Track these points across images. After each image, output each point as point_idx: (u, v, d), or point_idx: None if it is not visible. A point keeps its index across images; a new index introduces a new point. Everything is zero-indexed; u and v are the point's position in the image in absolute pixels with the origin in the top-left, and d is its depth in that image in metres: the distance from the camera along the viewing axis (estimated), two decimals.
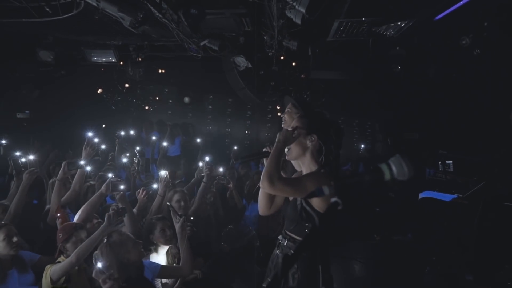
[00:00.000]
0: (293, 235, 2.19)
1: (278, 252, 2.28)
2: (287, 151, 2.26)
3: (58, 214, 3.02)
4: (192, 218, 3.48)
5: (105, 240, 2.51)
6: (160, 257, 3.17)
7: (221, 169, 4.78)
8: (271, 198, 2.38)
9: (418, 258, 4.39)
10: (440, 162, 5.48)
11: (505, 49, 5.17)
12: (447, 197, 4.28)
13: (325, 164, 2.20)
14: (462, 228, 4.35)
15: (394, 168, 0.99)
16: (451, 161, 5.41)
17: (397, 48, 5.66)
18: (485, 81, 5.78)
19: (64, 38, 5.60)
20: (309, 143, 2.21)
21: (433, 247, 4.46)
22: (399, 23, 4.15)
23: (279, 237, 2.33)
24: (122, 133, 6.79)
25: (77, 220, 3.12)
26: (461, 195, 4.28)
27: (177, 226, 2.88)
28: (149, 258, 3.06)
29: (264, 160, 2.33)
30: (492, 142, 5.07)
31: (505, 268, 4.02)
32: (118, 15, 3.13)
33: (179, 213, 2.94)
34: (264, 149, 2.34)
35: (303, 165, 2.28)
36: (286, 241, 2.21)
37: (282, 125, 3.10)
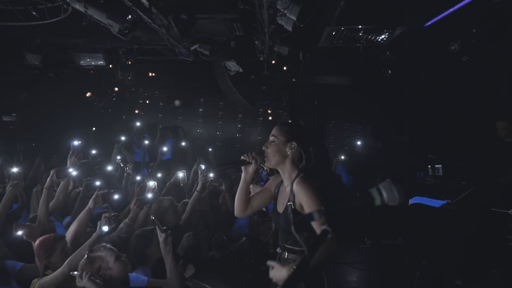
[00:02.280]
0: (291, 246, 2.19)
1: None
2: (265, 159, 2.26)
3: (20, 232, 2.87)
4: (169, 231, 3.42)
5: (86, 255, 2.45)
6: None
7: (211, 174, 4.77)
8: (246, 202, 2.41)
9: (408, 263, 4.42)
10: (429, 166, 5.53)
11: (493, 55, 5.24)
12: (437, 203, 4.32)
13: (304, 169, 2.21)
14: (452, 233, 4.39)
15: (384, 193, 0.98)
16: (440, 166, 5.47)
17: (388, 53, 5.70)
18: (473, 87, 5.85)
19: (52, 41, 5.51)
20: (288, 151, 2.20)
21: (423, 251, 4.49)
22: (390, 30, 4.18)
23: (277, 249, 2.32)
24: (123, 138, 6.78)
25: (68, 238, 3.06)
26: (450, 201, 4.33)
27: (160, 240, 2.84)
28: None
29: (243, 168, 2.34)
30: (479, 148, 5.13)
31: (493, 273, 4.07)
32: (107, 22, 3.08)
33: (162, 227, 2.89)
34: (242, 157, 2.33)
35: (283, 174, 2.27)
36: (287, 253, 2.20)
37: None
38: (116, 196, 3.16)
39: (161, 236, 2.85)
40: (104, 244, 2.70)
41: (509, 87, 5.74)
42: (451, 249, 4.38)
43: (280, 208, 2.27)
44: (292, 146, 2.19)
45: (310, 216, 0.90)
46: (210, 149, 7.41)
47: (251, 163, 2.26)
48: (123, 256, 2.63)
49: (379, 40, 4.42)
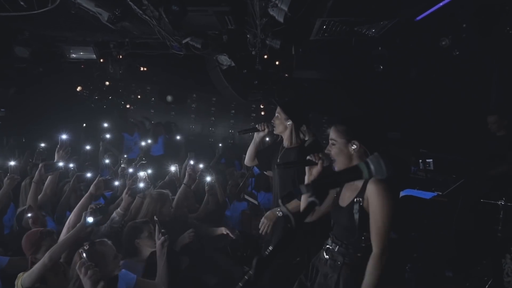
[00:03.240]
0: (346, 242, 2.13)
1: (327, 257, 2.20)
2: (334, 164, 2.16)
3: (29, 214, 2.89)
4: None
5: (86, 247, 2.41)
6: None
7: (201, 165, 4.77)
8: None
9: (400, 255, 4.45)
10: (420, 160, 5.57)
11: (483, 50, 5.30)
12: (427, 195, 4.35)
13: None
14: (442, 225, 4.43)
15: (372, 166, 0.98)
16: (431, 160, 5.51)
17: (379, 48, 5.72)
18: (464, 81, 5.90)
19: (42, 33, 5.43)
20: (352, 151, 2.11)
21: (414, 244, 4.52)
22: (381, 23, 4.18)
23: (327, 241, 2.26)
24: (108, 136, 6.74)
25: (69, 224, 3.01)
26: (440, 193, 4.36)
27: (158, 242, 2.80)
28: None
29: (306, 169, 2.20)
30: (470, 142, 5.19)
31: (483, 263, 4.12)
32: (96, 10, 3.03)
33: (162, 229, 2.86)
34: (308, 157, 2.20)
35: None
36: (338, 247, 2.14)
37: (274, 131, 3.14)
38: (117, 183, 3.14)
39: (159, 239, 2.80)
40: (106, 240, 2.66)
41: (499, 81, 5.81)
42: (441, 241, 4.42)
43: (344, 202, 2.17)
44: (354, 145, 2.09)
45: (297, 190, 0.90)
46: (220, 145, 7.47)
47: (317, 164, 2.14)
48: (120, 256, 2.61)
49: (370, 33, 4.42)
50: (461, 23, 4.87)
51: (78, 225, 2.65)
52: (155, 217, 3.22)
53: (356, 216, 2.03)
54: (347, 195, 2.17)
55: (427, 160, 5.49)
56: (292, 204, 2.63)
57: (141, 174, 3.52)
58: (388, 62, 5.91)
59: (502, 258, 3.67)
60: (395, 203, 1.95)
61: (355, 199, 2.07)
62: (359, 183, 2.09)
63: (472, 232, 4.21)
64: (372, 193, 1.97)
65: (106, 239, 2.66)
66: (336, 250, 2.14)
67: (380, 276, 1.91)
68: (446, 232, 4.38)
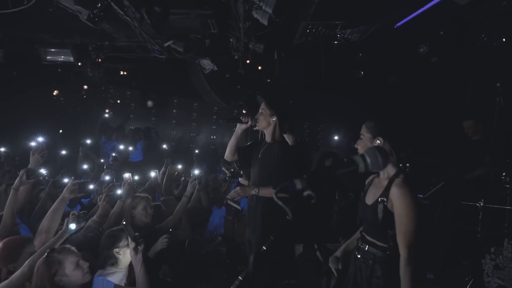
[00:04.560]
0: (374, 240, 2.18)
1: (359, 256, 2.26)
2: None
3: None
4: (170, 230, 3.32)
5: (45, 255, 2.25)
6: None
7: (179, 166, 4.71)
8: None
9: None
10: (401, 164, 5.65)
11: (459, 57, 5.46)
12: None
13: (403, 168, 2.19)
14: (423, 227, 4.49)
15: (368, 159, 0.97)
16: (408, 164, 5.60)
17: (360, 54, 5.82)
18: (441, 87, 6.06)
19: (17, 35, 5.24)
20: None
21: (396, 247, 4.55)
22: (362, 27, 4.25)
23: (358, 241, 2.31)
24: (88, 141, 6.56)
25: (41, 229, 2.84)
26: (421, 196, 4.43)
27: (130, 248, 2.59)
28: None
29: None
30: (448, 146, 5.30)
31: (463, 264, 4.19)
32: (75, 8, 2.93)
33: (134, 234, 2.70)
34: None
35: (382, 172, 2.26)
36: (367, 246, 2.20)
37: (256, 127, 3.15)
38: (91, 186, 3.01)
39: (131, 243, 2.59)
40: (68, 246, 2.47)
41: (474, 87, 5.99)
42: (422, 243, 4.47)
43: (370, 200, 2.23)
44: (378, 142, 2.18)
45: (292, 184, 0.87)
46: (196, 151, 7.39)
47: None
48: (85, 264, 2.41)
49: (352, 38, 4.49)
50: (439, 30, 5.00)
51: (59, 232, 2.51)
52: (123, 221, 3.09)
53: (380, 215, 2.09)
54: (372, 193, 2.24)
55: (406, 165, 5.58)
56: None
57: (126, 175, 3.41)
58: (368, 68, 6.01)
59: (482, 259, 3.73)
60: (417, 205, 2.03)
61: (379, 199, 2.14)
62: (384, 182, 2.17)
63: (453, 234, 4.28)
64: (396, 196, 2.04)
65: (69, 246, 2.48)
66: (366, 249, 2.21)
67: (415, 275, 1.97)
68: (427, 234, 4.44)
